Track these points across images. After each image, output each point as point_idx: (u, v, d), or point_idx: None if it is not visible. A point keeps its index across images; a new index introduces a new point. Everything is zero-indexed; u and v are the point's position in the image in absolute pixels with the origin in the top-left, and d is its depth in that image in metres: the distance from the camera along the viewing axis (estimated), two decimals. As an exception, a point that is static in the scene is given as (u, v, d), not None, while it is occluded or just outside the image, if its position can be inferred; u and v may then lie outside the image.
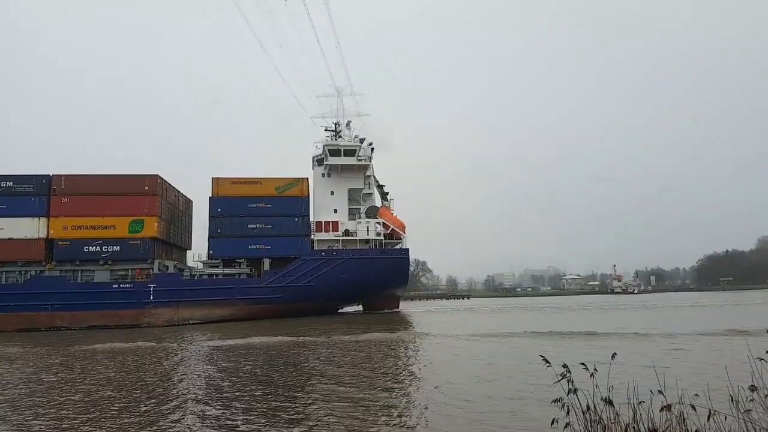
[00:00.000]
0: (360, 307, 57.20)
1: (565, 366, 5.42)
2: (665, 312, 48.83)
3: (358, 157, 54.46)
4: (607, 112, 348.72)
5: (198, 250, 54.07)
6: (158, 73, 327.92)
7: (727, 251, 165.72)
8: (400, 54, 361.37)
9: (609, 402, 5.20)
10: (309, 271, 49.07)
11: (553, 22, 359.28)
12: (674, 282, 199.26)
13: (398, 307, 58.24)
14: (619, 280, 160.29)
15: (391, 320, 42.93)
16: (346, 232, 52.80)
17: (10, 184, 45.91)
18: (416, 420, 10.16)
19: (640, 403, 5.20)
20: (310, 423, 10.06)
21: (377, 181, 57.50)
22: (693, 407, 4.96)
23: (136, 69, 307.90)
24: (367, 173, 56.11)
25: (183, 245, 56.07)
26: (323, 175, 55.09)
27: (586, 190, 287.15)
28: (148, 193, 47.21)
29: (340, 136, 57.43)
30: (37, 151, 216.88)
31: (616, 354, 6.24)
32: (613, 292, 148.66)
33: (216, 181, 50.25)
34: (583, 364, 5.60)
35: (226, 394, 13.24)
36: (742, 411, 5.00)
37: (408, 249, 53.89)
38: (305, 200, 51.66)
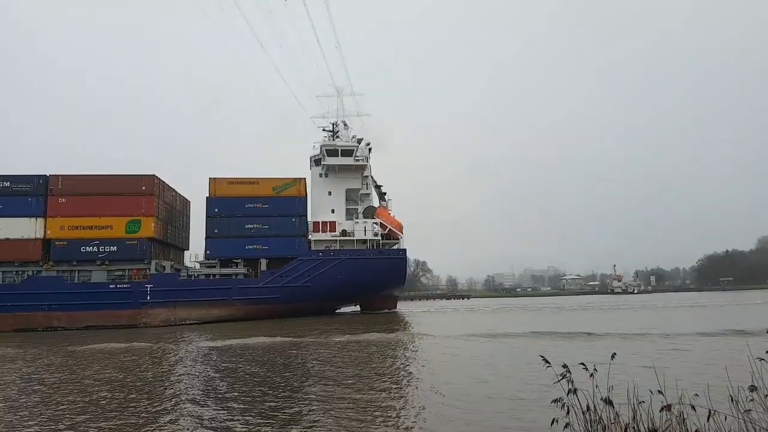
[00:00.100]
0: (357, 308, 57.16)
1: (564, 366, 5.41)
2: (665, 312, 48.80)
3: (356, 158, 54.39)
4: (607, 112, 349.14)
5: (196, 250, 54.18)
6: (158, 73, 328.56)
7: (727, 251, 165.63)
8: (400, 54, 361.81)
9: (609, 402, 5.20)
10: (306, 272, 49.02)
11: (553, 22, 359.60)
12: (674, 282, 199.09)
13: (396, 308, 58.21)
14: (619, 280, 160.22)
15: (390, 320, 42.90)
16: (344, 233, 52.75)
17: (7, 184, 45.88)
18: (414, 421, 10.12)
19: (640, 403, 5.19)
20: (308, 424, 10.03)
21: (375, 182, 57.49)
22: (693, 407, 4.96)
23: (136, 69, 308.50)
24: (365, 173, 56.07)
25: (181, 245, 56.02)
26: (321, 175, 55.05)
27: (586, 190, 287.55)
28: (145, 193, 47.18)
29: (338, 137, 57.36)
30: (37, 151, 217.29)
31: (615, 354, 6.24)
32: (613, 293, 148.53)
33: (213, 181, 50.22)
34: (582, 364, 5.58)
35: (224, 395, 13.21)
36: (742, 411, 4.99)
37: (405, 249, 53.89)
38: (302, 200, 51.60)
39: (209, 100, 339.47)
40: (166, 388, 14.60)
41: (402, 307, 71.93)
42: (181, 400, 12.63)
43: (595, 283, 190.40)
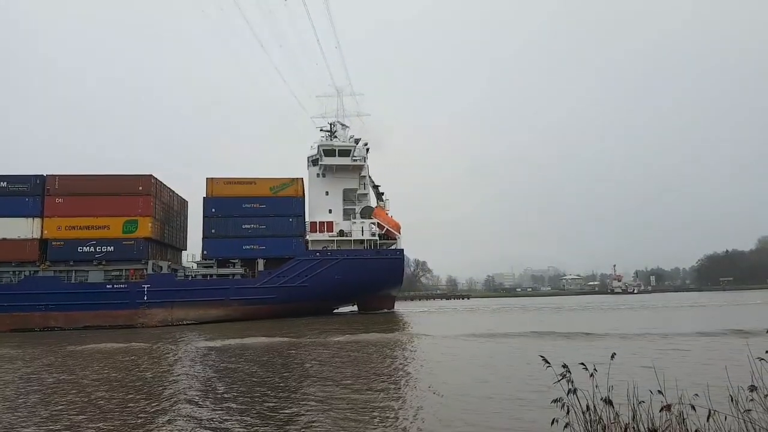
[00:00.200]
0: (355, 308, 57.12)
1: (564, 366, 5.40)
2: (665, 312, 48.77)
3: (353, 158, 54.34)
4: (607, 112, 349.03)
5: (194, 251, 54.14)
6: (158, 73, 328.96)
7: (727, 251, 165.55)
8: (400, 54, 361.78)
9: (609, 402, 5.20)
10: (303, 272, 48.99)
11: (553, 22, 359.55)
12: (674, 282, 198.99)
13: (393, 308, 58.19)
14: (619, 280, 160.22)
15: (388, 320, 42.88)
16: (341, 233, 52.72)
17: (4, 184, 45.87)
18: (412, 421, 10.09)
19: (639, 403, 5.18)
20: (306, 424, 10.00)
21: (372, 182, 57.46)
22: (693, 407, 4.95)
23: (136, 69, 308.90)
24: (362, 173, 56.06)
25: (178, 245, 56.01)
26: (318, 175, 55.05)
27: (586, 190, 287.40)
28: (142, 193, 47.17)
29: (336, 137, 57.31)
30: (37, 151, 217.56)
31: (615, 354, 6.24)
32: (612, 293, 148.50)
33: (210, 182, 50.19)
34: (582, 364, 5.57)
35: (222, 395, 13.19)
36: (742, 411, 4.98)
37: (403, 249, 53.91)
38: (300, 200, 51.59)
39: (209, 100, 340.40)
40: (164, 388, 14.60)
41: (402, 307, 71.90)
42: (180, 401, 12.64)
43: (595, 283, 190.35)
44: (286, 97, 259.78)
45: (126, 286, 45.75)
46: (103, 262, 46.25)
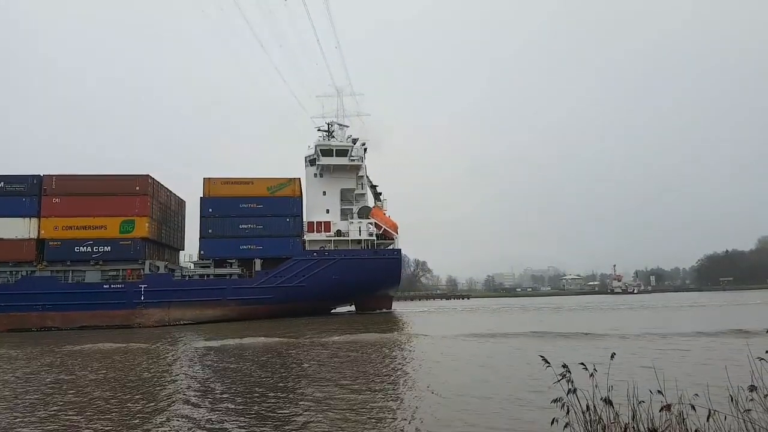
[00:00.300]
0: (353, 308, 57.08)
1: (564, 366, 5.39)
2: (665, 312, 48.73)
3: (351, 158, 54.31)
4: (607, 112, 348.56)
5: (192, 250, 54.14)
6: (158, 73, 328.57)
7: (727, 251, 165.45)
8: (400, 54, 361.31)
9: (608, 402, 5.20)
10: (301, 272, 48.96)
11: (553, 22, 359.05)
12: (674, 282, 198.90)
13: (391, 308, 58.12)
14: (619, 280, 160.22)
15: (386, 321, 42.83)
16: (338, 233, 52.68)
17: (1, 184, 45.93)
18: (410, 422, 10.06)
19: (639, 403, 5.17)
20: (303, 425, 9.98)
21: (370, 182, 57.41)
22: (693, 407, 4.94)
23: (136, 69, 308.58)
24: (360, 173, 55.98)
25: (175, 245, 56.02)
26: (315, 175, 55.02)
27: (586, 190, 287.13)
28: (139, 193, 47.17)
29: (333, 137, 57.26)
30: (37, 151, 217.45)
31: (615, 354, 6.24)
32: (612, 292, 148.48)
33: (207, 181, 50.17)
34: (582, 364, 5.56)
35: (219, 395, 13.20)
36: (742, 411, 4.98)
37: (400, 249, 53.87)
38: (297, 200, 51.56)
39: (209, 100, 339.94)
40: (163, 388, 14.62)
41: (401, 307, 71.93)
42: (178, 401, 12.66)
43: (595, 283, 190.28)
44: (286, 97, 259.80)
45: (123, 286, 45.76)
46: (100, 262, 46.29)
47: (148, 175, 48.37)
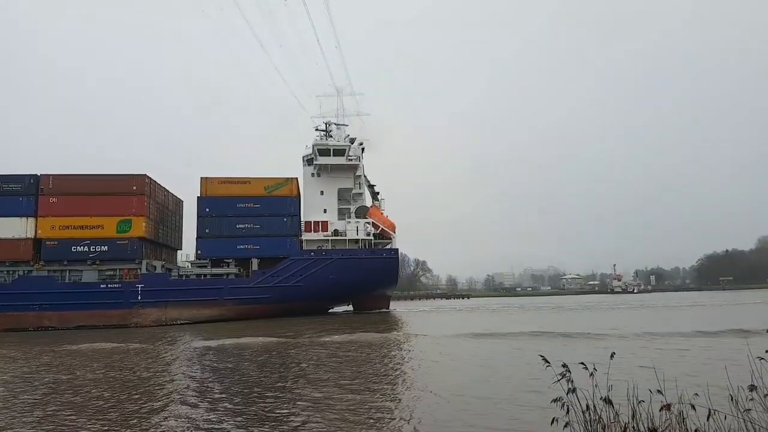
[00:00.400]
0: (350, 308, 57.04)
1: (564, 365, 5.38)
2: (665, 312, 48.69)
3: (348, 157, 54.23)
4: (607, 112, 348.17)
5: (190, 250, 54.11)
6: (158, 73, 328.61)
7: (727, 251, 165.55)
8: (400, 54, 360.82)
9: (608, 401, 5.20)
10: (298, 271, 48.91)
11: (553, 22, 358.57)
12: (674, 282, 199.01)
13: (389, 307, 58.10)
14: (619, 280, 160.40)
15: (384, 320, 42.76)
16: (336, 232, 52.62)
17: (-2, 183, 45.93)
18: (408, 422, 10.03)
19: (639, 402, 5.18)
20: (300, 425, 9.96)
21: (368, 181, 57.36)
22: (693, 407, 4.94)
23: (136, 69, 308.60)
24: (357, 173, 55.93)
25: (173, 245, 56.00)
26: (313, 174, 54.92)
27: (586, 190, 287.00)
28: (135, 192, 47.16)
29: (331, 136, 57.25)
30: (37, 151, 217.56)
31: (614, 354, 6.22)
32: (612, 292, 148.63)
33: (204, 181, 50.13)
34: (582, 363, 5.55)
35: (217, 396, 13.19)
36: (742, 410, 4.98)
37: (397, 249, 53.79)
38: (294, 200, 51.49)
39: (209, 100, 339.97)
40: (160, 388, 14.61)
41: (401, 306, 72.01)
42: (176, 400, 12.66)
43: (595, 282, 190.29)
44: (286, 97, 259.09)
45: (120, 285, 45.74)
46: (97, 262, 46.25)
47: (145, 175, 48.35)
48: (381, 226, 53.61)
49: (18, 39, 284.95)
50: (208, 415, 10.92)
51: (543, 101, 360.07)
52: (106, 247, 45.94)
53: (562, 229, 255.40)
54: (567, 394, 5.19)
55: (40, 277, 45.39)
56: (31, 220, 45.65)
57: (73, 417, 11.11)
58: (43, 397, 13.54)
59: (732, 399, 5.08)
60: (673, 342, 21.65)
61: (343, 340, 26.55)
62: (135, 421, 10.57)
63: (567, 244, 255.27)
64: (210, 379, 15.73)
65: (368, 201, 57.09)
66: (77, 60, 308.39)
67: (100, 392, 13.89)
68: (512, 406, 10.94)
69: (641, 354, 17.62)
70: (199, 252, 49.17)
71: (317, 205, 54.04)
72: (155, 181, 50.51)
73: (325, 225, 52.69)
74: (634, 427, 5.07)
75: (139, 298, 45.29)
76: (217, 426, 10.04)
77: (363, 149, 56.69)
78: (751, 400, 5.05)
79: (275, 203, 50.30)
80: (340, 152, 54.00)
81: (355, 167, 55.17)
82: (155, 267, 48.46)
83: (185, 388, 14.46)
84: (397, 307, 67.95)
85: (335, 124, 57.93)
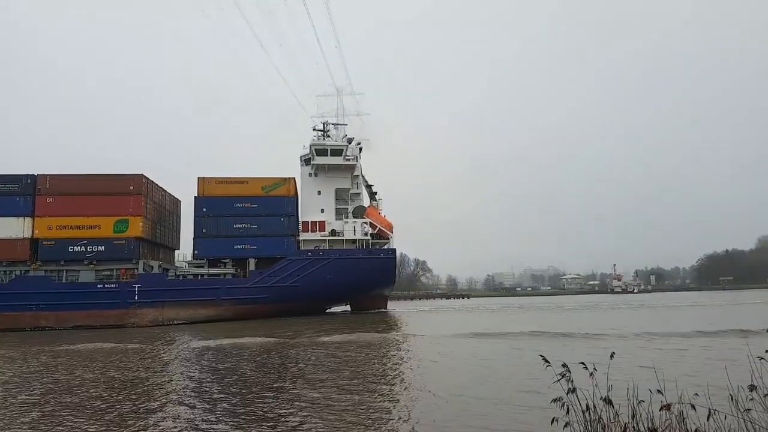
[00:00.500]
0: (348, 308, 56.95)
1: (564, 365, 5.37)
2: (665, 312, 48.61)
3: (346, 157, 54.10)
4: (607, 112, 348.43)
5: (188, 250, 54.16)
6: (158, 73, 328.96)
7: (727, 251, 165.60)
8: (400, 54, 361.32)
9: (608, 401, 5.20)
10: (295, 271, 48.83)
11: (553, 22, 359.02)
12: (674, 281, 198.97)
13: (386, 307, 57.99)
14: (619, 280, 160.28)
15: (382, 320, 42.63)
16: (333, 232, 52.53)
17: (-5, 184, 45.87)
18: (405, 422, 9.95)
19: (639, 402, 5.17)
20: (298, 425, 9.89)
21: (366, 181, 57.25)
22: (693, 407, 4.94)
23: (136, 69, 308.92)
24: (355, 173, 55.83)
25: (170, 245, 55.91)
26: (310, 174, 54.79)
27: (586, 190, 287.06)
28: (133, 192, 47.08)
29: (328, 136, 57.13)
30: (37, 151, 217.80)
31: (614, 354, 6.20)
32: (612, 292, 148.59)
33: (201, 181, 50.06)
34: (582, 363, 5.53)
35: (214, 396, 13.11)
36: (742, 410, 4.99)
37: (395, 249, 53.69)
38: (292, 200, 51.40)
39: (209, 100, 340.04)
40: (158, 388, 14.54)
41: (401, 306, 72.00)
42: (174, 401, 12.61)
43: (595, 282, 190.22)
44: (286, 97, 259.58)
45: (117, 285, 45.65)
46: (94, 262, 46.17)
47: (142, 175, 48.27)
48: (378, 226, 53.53)
49: (18, 39, 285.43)
50: (207, 416, 10.87)
51: (543, 101, 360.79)
52: (103, 247, 45.87)
53: (562, 229, 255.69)
54: (567, 394, 5.18)
55: (37, 277, 45.32)
56: (28, 220, 45.57)
57: (71, 417, 11.07)
58: (42, 398, 13.49)
59: (732, 399, 5.07)
60: (672, 342, 21.61)
61: (342, 340, 26.43)
62: (133, 421, 10.53)
63: (567, 244, 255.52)
64: (208, 379, 15.67)
65: (366, 201, 56.99)
66: (77, 60, 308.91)
67: (98, 392, 13.85)
68: (511, 407, 10.86)
69: (641, 354, 17.58)
70: (196, 252, 49.12)
71: (315, 205, 53.94)
72: (152, 181, 50.43)
73: (322, 225, 52.60)
74: (634, 427, 5.06)
75: (136, 298, 45.20)
76: (215, 426, 9.99)
77: (361, 149, 56.60)
78: (751, 400, 5.03)
79: (272, 203, 50.22)
80: (337, 152, 53.89)
81: (352, 167, 55.05)
82: (152, 267, 48.39)
83: (183, 388, 14.42)
84: (396, 307, 67.84)
85: (333, 124, 57.86)
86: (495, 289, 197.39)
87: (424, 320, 43.38)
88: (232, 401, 12.35)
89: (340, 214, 54.49)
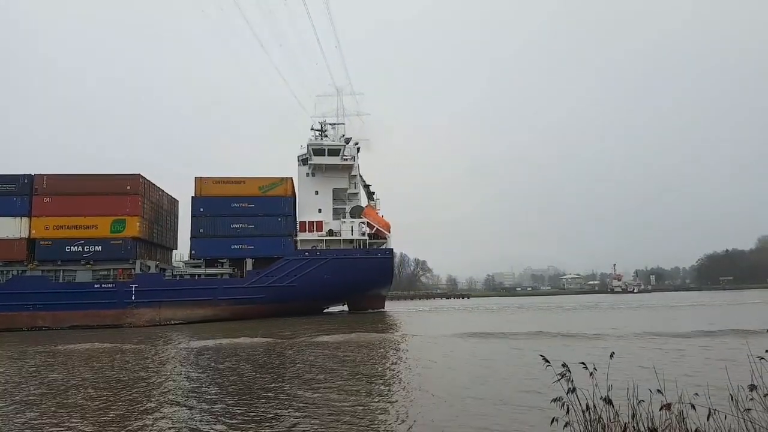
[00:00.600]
0: (345, 308, 56.80)
1: (564, 365, 5.36)
2: (665, 311, 48.56)
3: (343, 157, 53.93)
4: (607, 112, 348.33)
5: (185, 250, 53.90)
6: (158, 73, 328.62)
7: (727, 251, 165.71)
8: (400, 54, 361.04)
9: (608, 401, 5.20)
10: (292, 271, 48.69)
11: (553, 22, 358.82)
12: (674, 281, 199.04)
13: (384, 307, 57.93)
14: (619, 280, 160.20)
15: (380, 320, 42.55)
16: (330, 232, 52.38)
17: (-8, 183, 45.73)
18: (403, 423, 9.86)
19: (639, 402, 5.17)
20: (295, 425, 9.81)
21: (363, 181, 57.06)
22: (693, 406, 4.93)
23: (136, 69, 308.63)
24: (353, 173, 55.64)
25: (168, 245, 55.77)
26: (308, 174, 54.65)
27: (586, 190, 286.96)
28: (130, 192, 46.98)
29: (326, 136, 56.99)
30: (37, 151, 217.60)
31: (614, 353, 6.19)
32: (612, 292, 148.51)
33: (199, 181, 49.93)
34: (582, 363, 5.52)
35: (211, 396, 13.04)
36: (742, 410, 4.99)
37: (392, 249, 53.66)
38: (289, 200, 51.30)
39: (209, 100, 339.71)
40: (155, 388, 14.46)
41: (401, 306, 71.94)
42: (171, 400, 12.55)
43: (595, 282, 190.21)
44: (286, 97, 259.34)
45: (114, 285, 45.53)
46: (91, 262, 46.08)
47: (139, 175, 48.15)
48: (376, 226, 53.40)
49: (18, 39, 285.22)
50: (204, 416, 10.80)
51: (543, 101, 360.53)
52: (99, 247, 45.77)
53: (562, 229, 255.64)
54: (567, 393, 5.16)
55: (33, 277, 45.21)
56: (25, 219, 45.47)
57: (68, 417, 11.02)
58: (39, 397, 13.42)
59: (732, 399, 5.06)
60: (672, 342, 21.56)
61: (341, 340, 26.33)
62: (130, 421, 10.47)
63: (567, 244, 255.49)
64: (206, 379, 15.60)
65: (364, 201, 56.80)
66: (77, 60, 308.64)
67: (95, 392, 13.78)
68: (511, 407, 10.78)
69: (641, 354, 17.53)
70: (193, 252, 49.00)
71: (312, 205, 53.79)
72: (149, 181, 50.29)
73: (319, 225, 52.46)
74: (634, 426, 5.04)
75: (133, 298, 45.09)
76: (213, 426, 9.91)
77: (358, 149, 56.40)
78: (751, 399, 5.02)
79: (270, 203, 50.10)
80: (334, 152, 53.71)
81: (350, 167, 54.88)
82: (149, 267, 48.27)
83: (181, 388, 14.37)
84: (396, 306, 67.74)
85: (330, 123, 57.72)
86: (495, 289, 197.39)
87: (423, 320, 43.28)
88: (230, 401, 12.27)
89: (337, 213, 54.33)
